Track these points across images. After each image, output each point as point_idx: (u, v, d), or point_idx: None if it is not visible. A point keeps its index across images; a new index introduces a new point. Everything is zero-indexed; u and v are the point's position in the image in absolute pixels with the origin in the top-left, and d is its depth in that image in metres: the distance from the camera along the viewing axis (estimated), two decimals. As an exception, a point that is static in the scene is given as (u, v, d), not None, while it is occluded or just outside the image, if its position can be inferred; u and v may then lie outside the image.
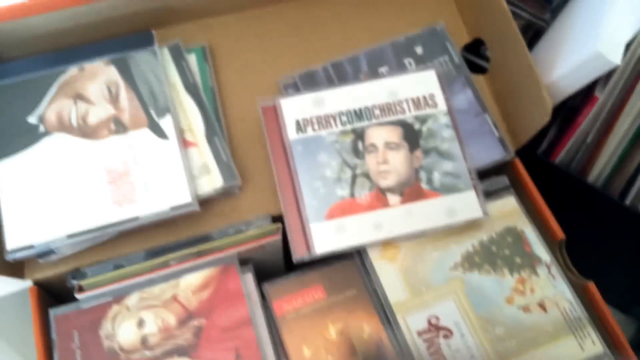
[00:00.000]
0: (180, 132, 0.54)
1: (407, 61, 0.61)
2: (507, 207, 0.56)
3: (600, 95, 0.55)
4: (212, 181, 0.53)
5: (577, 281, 0.52)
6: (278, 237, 0.53)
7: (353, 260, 0.53)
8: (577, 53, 0.53)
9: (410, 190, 0.53)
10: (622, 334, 0.49)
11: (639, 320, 0.73)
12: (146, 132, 0.54)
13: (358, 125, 0.55)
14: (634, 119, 0.54)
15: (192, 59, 0.59)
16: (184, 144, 0.54)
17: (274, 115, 0.56)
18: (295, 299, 0.50)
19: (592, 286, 0.51)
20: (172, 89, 0.56)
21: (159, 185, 0.51)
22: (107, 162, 0.53)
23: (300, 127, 0.55)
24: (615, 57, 0.51)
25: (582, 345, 0.49)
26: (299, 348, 0.48)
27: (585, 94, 0.58)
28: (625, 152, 0.57)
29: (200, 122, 0.55)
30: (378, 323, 0.50)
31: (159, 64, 0.56)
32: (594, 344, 0.49)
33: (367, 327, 0.49)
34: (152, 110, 0.54)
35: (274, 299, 0.50)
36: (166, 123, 0.54)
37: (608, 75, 0.54)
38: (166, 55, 0.58)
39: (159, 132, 0.54)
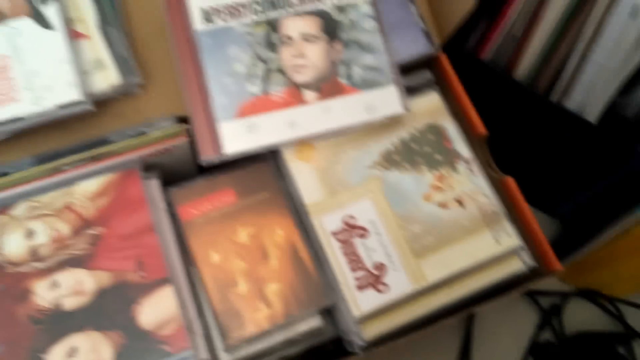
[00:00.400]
0: (68, 22, 0.48)
1: (327, -56, 0.55)
2: (430, 103, 0.53)
3: (527, -17, 0.52)
4: (107, 78, 0.48)
5: (497, 177, 0.52)
6: (184, 139, 0.48)
7: (267, 161, 0.50)
8: None
9: (328, 86, 0.50)
10: (539, 228, 0.49)
11: (561, 221, 0.74)
12: (27, 22, 0.47)
13: (272, 15, 0.50)
14: (560, 8, 0.51)
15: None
16: (73, 35, 0.48)
17: (177, 2, 0.50)
18: (203, 203, 0.47)
19: (510, 181, 0.51)
20: (56, -28, 0.49)
21: (43, 82, 0.46)
22: (-16, 57, 0.46)
23: (207, 16, 0.49)
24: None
25: (498, 239, 0.49)
26: (206, 253, 0.46)
27: (514, -17, 0.55)
28: (551, 45, 0.55)
29: (92, 10, 0.49)
30: (292, 226, 0.48)
31: (38, -58, 0.48)
32: (510, 236, 0.49)
33: (280, 230, 0.47)
34: (34, -4, 0.48)
35: (180, 204, 0.47)
36: (51, 11, 0.47)
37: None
38: None
39: (43, 22, 0.47)
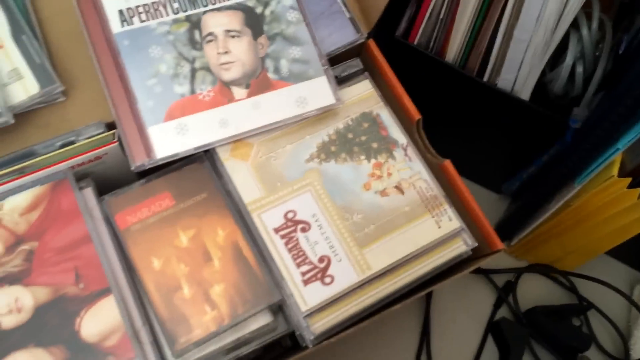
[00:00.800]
0: (-22, 34, 0.46)
1: (248, -61, 0.55)
2: (362, 91, 0.53)
3: (447, -36, 0.52)
4: (26, 88, 0.46)
5: (435, 161, 0.52)
6: (114, 145, 0.47)
7: (203, 162, 0.49)
8: None
9: (257, 82, 0.49)
10: (479, 209, 0.49)
11: (509, 196, 0.76)
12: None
13: (193, 11, 0.49)
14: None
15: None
16: (-14, 47, 0.46)
17: (92, 5, 0.48)
18: (140, 210, 0.46)
19: (448, 164, 0.51)
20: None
21: (-44, 98, 0.44)
22: None
23: (124, 17, 0.48)
24: None
25: (439, 223, 0.49)
26: (147, 260, 0.45)
27: (436, -34, 0.55)
28: (476, 26, 0.56)
29: (3, 19, 0.47)
30: (233, 225, 0.47)
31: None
32: (451, 219, 0.49)
33: (221, 231, 0.46)
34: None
35: (116, 212, 0.46)
36: (-41, 24, 0.45)
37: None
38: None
39: (-49, 36, 0.45)
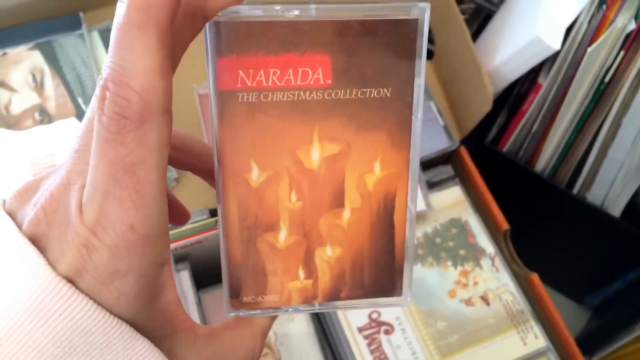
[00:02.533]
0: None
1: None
2: (452, 197, 0.54)
3: (544, 82, 0.54)
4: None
5: (521, 273, 0.52)
6: (215, 231, 0.50)
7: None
8: (518, 38, 0.51)
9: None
10: (565, 327, 0.48)
11: (591, 309, 0.73)
12: (74, 122, 0.51)
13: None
14: (577, 107, 0.53)
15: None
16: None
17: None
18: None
19: (535, 278, 0.51)
20: (102, 76, 0.53)
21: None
22: (32, 154, 0.49)
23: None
24: (555, 42, 0.49)
25: (525, 340, 0.48)
26: (244, 162, 0.24)
27: (531, 81, 0.57)
28: (570, 141, 0.56)
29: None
30: (402, 166, 0.25)
31: (87, 48, 0.53)
32: (537, 337, 0.48)
33: (380, 168, 0.25)
34: (80, 98, 0.51)
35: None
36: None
37: (552, 62, 0.53)
38: (96, 39, 0.54)
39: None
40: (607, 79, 0.51)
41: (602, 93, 0.52)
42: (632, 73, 0.50)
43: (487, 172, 0.57)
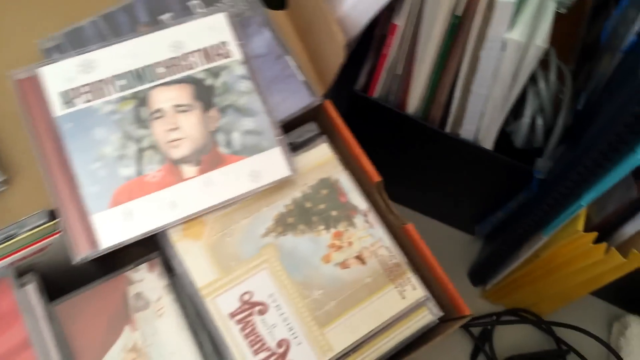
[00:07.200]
0: None
1: (193, 3, 0.53)
2: (321, 156, 0.51)
3: (399, 22, 0.51)
4: (-39, 182, 0.44)
5: (397, 224, 0.50)
6: (59, 235, 0.45)
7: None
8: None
9: (208, 158, 0.47)
10: (444, 274, 0.48)
11: (482, 238, 0.74)
12: None
13: (139, 88, 0.48)
14: (436, 45, 0.51)
15: None
16: None
17: (32, 88, 0.46)
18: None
19: (411, 227, 0.49)
20: None
21: None
22: None
23: (67, 99, 0.46)
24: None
25: (403, 293, 0.47)
26: None
27: (389, 22, 0.54)
28: (435, 81, 0.54)
29: None
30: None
31: None
32: (415, 288, 0.48)
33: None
34: None
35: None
36: None
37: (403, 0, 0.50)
38: None
39: None
40: (459, 12, 0.48)
41: (457, 28, 0.50)
42: (483, 4, 0.47)
43: (361, 122, 0.54)
